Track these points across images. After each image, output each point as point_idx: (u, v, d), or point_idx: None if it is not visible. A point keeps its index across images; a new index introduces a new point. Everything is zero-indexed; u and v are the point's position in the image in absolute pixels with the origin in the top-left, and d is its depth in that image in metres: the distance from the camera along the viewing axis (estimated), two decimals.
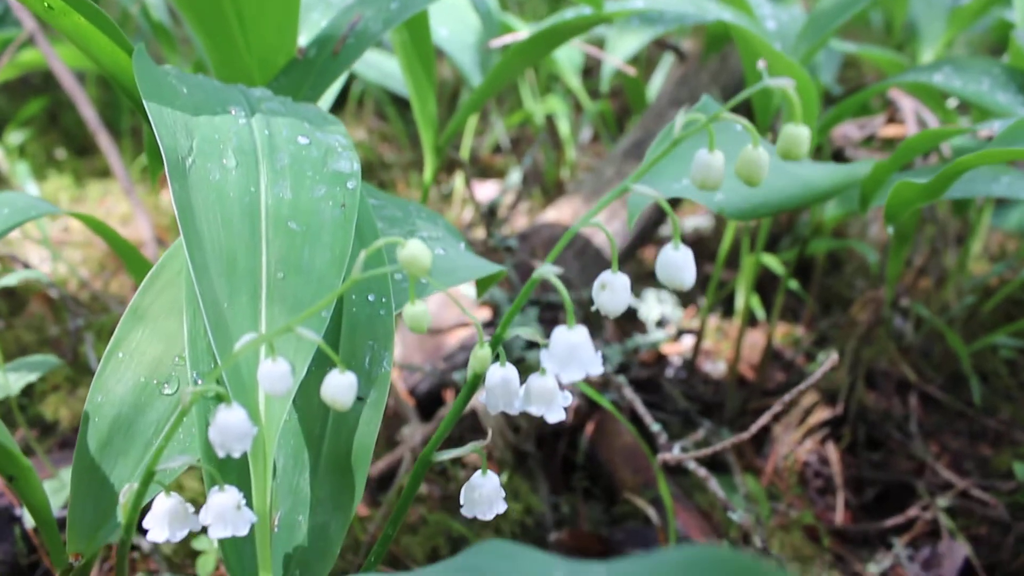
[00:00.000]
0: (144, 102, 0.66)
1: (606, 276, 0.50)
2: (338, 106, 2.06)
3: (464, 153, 1.82)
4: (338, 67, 0.91)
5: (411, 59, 1.08)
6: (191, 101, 0.70)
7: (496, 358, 0.54)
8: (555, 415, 0.53)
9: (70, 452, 1.11)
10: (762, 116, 1.35)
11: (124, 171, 1.46)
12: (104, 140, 1.48)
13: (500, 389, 0.54)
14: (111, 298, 1.42)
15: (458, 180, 1.84)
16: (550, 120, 2.03)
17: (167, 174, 0.61)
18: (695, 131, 0.49)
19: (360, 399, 0.60)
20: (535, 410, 0.53)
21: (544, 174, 1.87)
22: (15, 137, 1.83)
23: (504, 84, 1.14)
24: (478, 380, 0.54)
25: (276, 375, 0.50)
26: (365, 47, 0.90)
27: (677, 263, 0.48)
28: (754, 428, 0.89)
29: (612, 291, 0.49)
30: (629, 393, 0.95)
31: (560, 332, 0.49)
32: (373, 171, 1.91)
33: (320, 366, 0.61)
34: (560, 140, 1.95)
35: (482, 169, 1.97)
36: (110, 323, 1.33)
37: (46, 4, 0.74)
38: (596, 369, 0.49)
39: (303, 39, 1.03)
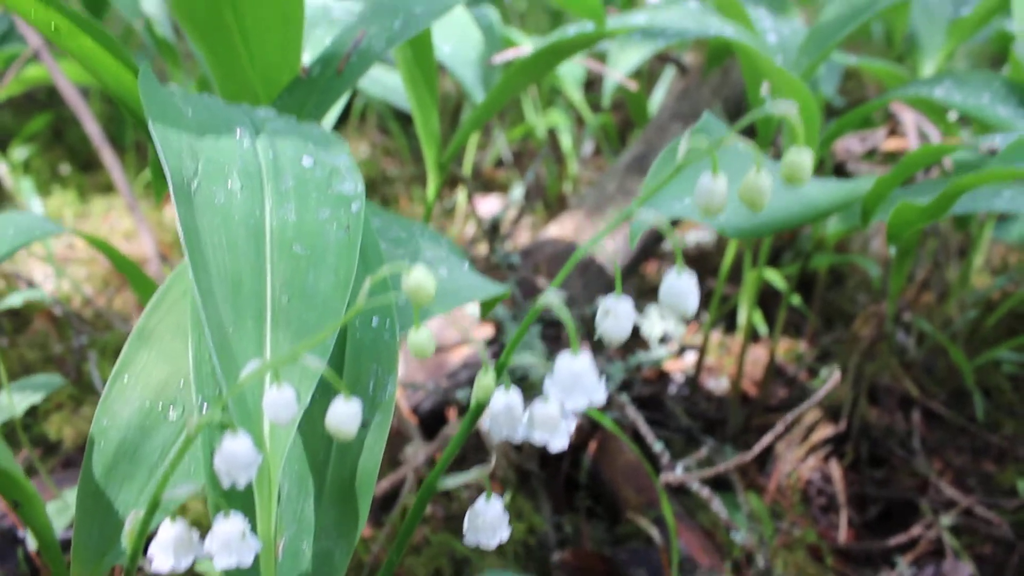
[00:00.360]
0: (149, 124, 0.66)
1: (609, 302, 0.50)
2: (341, 120, 2.06)
3: (467, 167, 1.82)
4: (342, 85, 0.91)
5: (414, 76, 1.08)
6: (196, 122, 0.70)
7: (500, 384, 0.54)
8: (559, 442, 0.53)
9: (74, 472, 1.11)
10: (764, 130, 1.35)
11: (128, 187, 1.46)
12: (108, 156, 1.49)
13: (504, 416, 0.54)
14: (115, 315, 1.42)
15: (461, 195, 1.84)
16: (552, 133, 2.04)
17: (172, 197, 0.61)
18: (698, 158, 0.49)
19: (364, 424, 0.60)
20: (539, 437, 0.53)
21: (547, 188, 1.88)
22: (20, 152, 1.84)
23: (507, 101, 1.14)
24: (481, 408, 0.54)
25: (281, 403, 0.50)
26: (368, 65, 0.91)
27: (681, 290, 0.48)
28: (756, 449, 0.89)
29: (616, 318, 0.49)
30: (632, 412, 0.95)
31: (564, 359, 0.49)
32: (376, 186, 1.91)
33: (325, 391, 0.61)
34: (562, 154, 1.96)
35: (485, 183, 1.97)
36: (114, 340, 1.33)
37: (52, 26, 0.75)
38: (600, 397, 0.49)
39: (307, 56, 1.04)
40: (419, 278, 0.46)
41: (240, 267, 0.61)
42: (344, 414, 0.49)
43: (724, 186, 0.48)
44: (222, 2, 0.87)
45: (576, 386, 0.49)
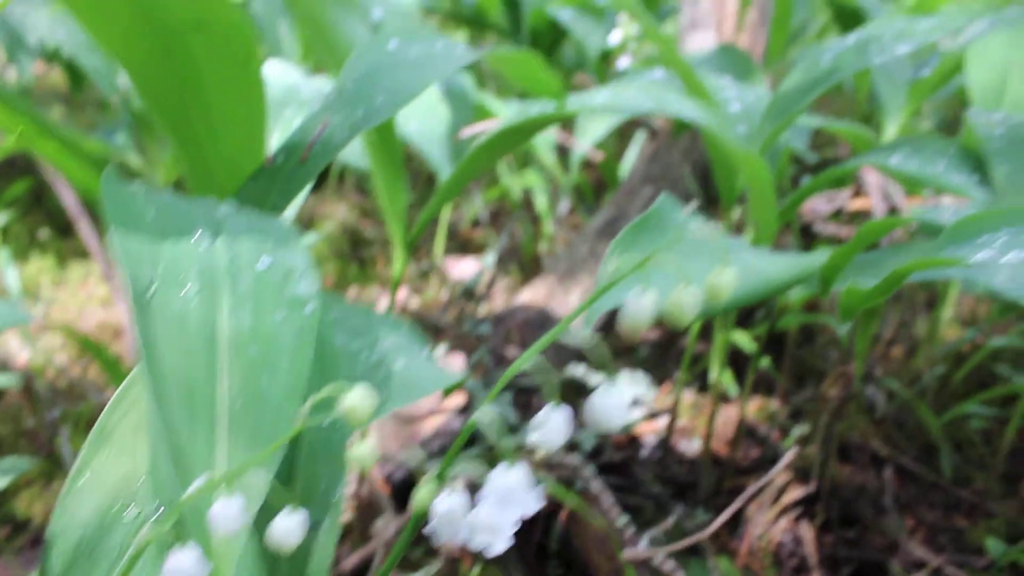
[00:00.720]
0: (111, 230, 0.68)
1: (544, 413, 0.52)
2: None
3: (441, 229, 1.85)
4: (305, 175, 0.93)
5: (380, 157, 1.11)
6: (157, 224, 0.72)
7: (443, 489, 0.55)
8: (499, 546, 0.54)
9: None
10: (727, 197, 1.39)
11: (104, 255, 1.49)
12: (84, 227, 1.51)
13: (446, 518, 0.55)
14: (89, 384, 1.43)
15: (437, 256, 1.86)
16: (528, 193, 2.07)
17: (130, 305, 0.63)
18: (628, 273, 0.52)
19: (315, 526, 0.62)
20: (480, 540, 0.54)
21: (522, 248, 1.90)
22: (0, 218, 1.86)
23: (475, 176, 1.17)
24: (422, 516, 0.56)
25: (227, 515, 0.52)
26: (332, 155, 0.93)
27: (606, 407, 0.50)
28: (719, 521, 0.90)
29: (546, 432, 0.51)
30: (596, 486, 0.96)
31: (499, 473, 0.51)
32: (353, 248, 1.93)
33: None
34: (537, 214, 1.99)
35: (461, 243, 2.00)
36: (87, 412, 1.34)
37: (20, 130, 0.77)
38: (534, 508, 0.51)
39: (275, 137, 1.07)
40: (354, 401, 0.47)
41: (195, 373, 0.62)
42: (286, 528, 0.51)
43: (649, 306, 0.50)
44: (188, 95, 0.90)
45: (510, 499, 0.50)
